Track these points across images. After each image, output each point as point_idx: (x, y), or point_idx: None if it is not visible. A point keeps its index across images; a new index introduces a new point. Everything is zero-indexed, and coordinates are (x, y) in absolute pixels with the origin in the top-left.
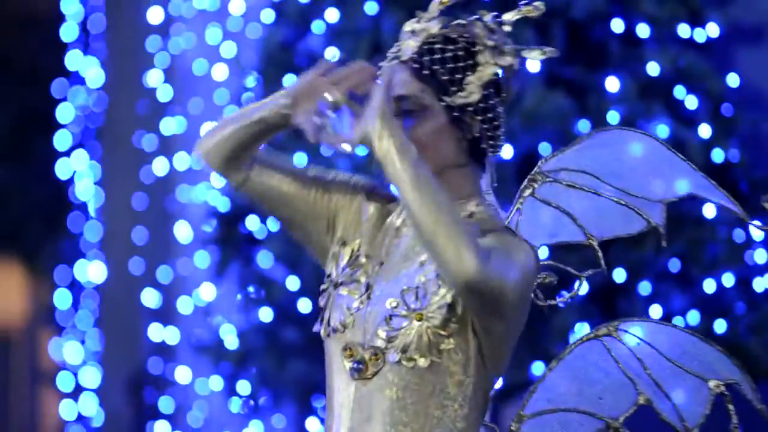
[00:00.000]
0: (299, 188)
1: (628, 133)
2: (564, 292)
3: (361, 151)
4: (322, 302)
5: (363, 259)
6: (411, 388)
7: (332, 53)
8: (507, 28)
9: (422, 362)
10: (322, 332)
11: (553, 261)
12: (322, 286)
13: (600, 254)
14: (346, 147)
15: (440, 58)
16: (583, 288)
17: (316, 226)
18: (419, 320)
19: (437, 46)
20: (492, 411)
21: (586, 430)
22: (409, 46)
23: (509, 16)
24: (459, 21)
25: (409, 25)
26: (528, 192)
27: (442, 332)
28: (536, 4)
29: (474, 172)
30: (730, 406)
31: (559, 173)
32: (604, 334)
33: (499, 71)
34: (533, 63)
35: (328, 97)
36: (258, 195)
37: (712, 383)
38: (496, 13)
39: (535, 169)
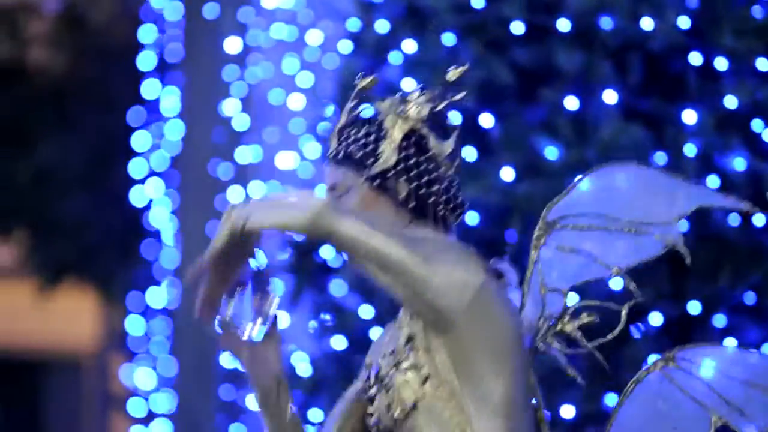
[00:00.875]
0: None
1: (615, 168)
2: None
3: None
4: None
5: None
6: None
7: (409, 84)
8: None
9: (408, 404)
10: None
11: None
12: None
13: (632, 283)
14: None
15: (353, 139)
16: (656, 319)
17: None
18: (396, 367)
19: (347, 130)
20: None
21: None
22: (331, 143)
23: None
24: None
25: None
26: (539, 244)
27: (416, 364)
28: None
29: (423, 228)
30: None
31: (565, 219)
32: (663, 366)
33: (418, 128)
34: (610, 95)
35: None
36: None
37: None
38: (422, 86)
39: (539, 223)
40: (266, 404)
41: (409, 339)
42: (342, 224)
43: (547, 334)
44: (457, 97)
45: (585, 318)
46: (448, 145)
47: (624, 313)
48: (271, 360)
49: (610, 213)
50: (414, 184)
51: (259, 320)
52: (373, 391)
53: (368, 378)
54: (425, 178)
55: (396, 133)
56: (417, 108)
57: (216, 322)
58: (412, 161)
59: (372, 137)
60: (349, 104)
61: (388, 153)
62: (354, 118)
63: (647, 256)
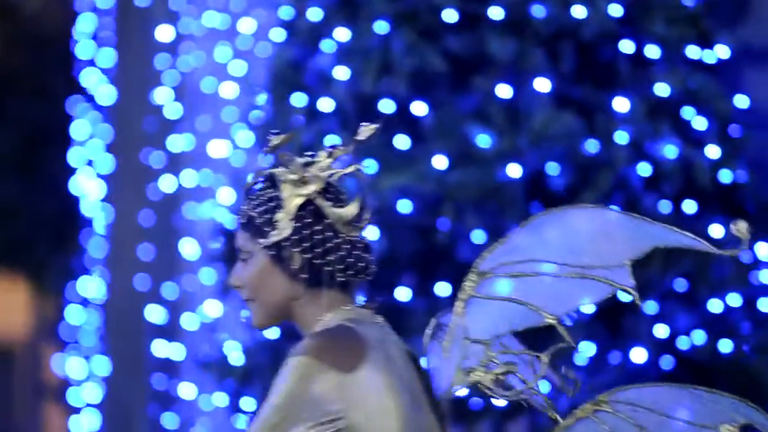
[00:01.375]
0: None
1: (573, 211)
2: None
3: None
4: None
5: None
6: None
7: (341, 72)
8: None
9: None
10: None
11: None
12: None
13: (565, 331)
14: None
15: (255, 204)
16: (587, 307)
17: None
18: None
19: (250, 194)
20: (497, 429)
21: None
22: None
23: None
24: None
25: None
26: (465, 295)
27: None
28: (371, 126)
29: (317, 295)
30: None
31: (499, 268)
32: (594, 410)
33: (314, 198)
34: (542, 82)
35: None
36: None
37: (723, 428)
38: (333, 144)
39: (470, 272)
40: None
41: None
42: None
43: (465, 383)
44: (350, 169)
45: (502, 368)
46: (347, 211)
47: (545, 362)
48: None
49: (555, 258)
50: (307, 255)
51: None
52: None
53: None
54: (320, 249)
55: (292, 203)
56: (315, 178)
57: None
58: (306, 232)
59: (271, 205)
60: (259, 165)
61: (283, 224)
62: (259, 181)
63: (592, 300)
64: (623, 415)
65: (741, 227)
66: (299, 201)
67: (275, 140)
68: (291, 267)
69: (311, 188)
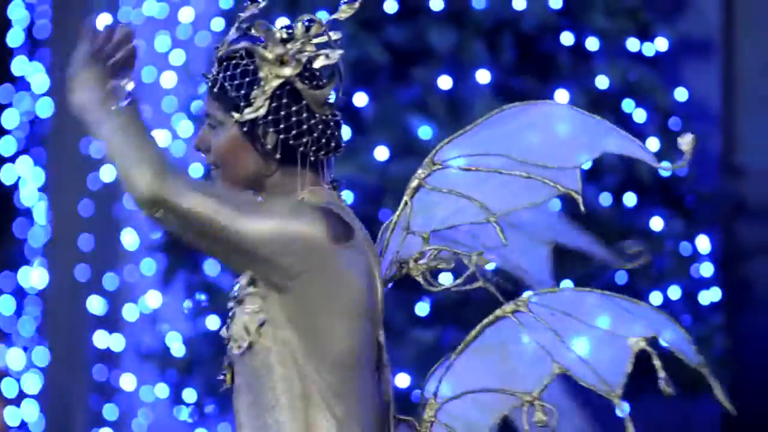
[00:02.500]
0: None
1: (536, 107)
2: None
3: None
4: None
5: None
6: (247, 375)
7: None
8: (318, 31)
9: (244, 344)
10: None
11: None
12: None
13: (501, 230)
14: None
15: (229, 75)
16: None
17: None
18: (240, 304)
19: (228, 62)
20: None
21: (503, 408)
22: (213, 69)
23: (329, 17)
24: (249, 34)
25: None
26: (415, 183)
27: (254, 309)
28: (353, 5)
29: (291, 174)
30: (656, 362)
31: (453, 159)
32: (513, 311)
33: (293, 80)
34: (483, 74)
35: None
36: None
37: (631, 340)
38: (309, 17)
39: (426, 159)
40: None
41: (251, 282)
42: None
43: (395, 276)
44: (329, 54)
45: (435, 261)
46: (324, 93)
47: (473, 260)
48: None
49: (505, 154)
50: (282, 135)
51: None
52: (229, 313)
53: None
54: (294, 131)
55: (269, 84)
56: (294, 59)
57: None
58: (282, 113)
59: (246, 80)
60: (232, 34)
61: (259, 103)
62: (234, 51)
63: (531, 201)
64: (541, 318)
65: (687, 140)
66: (278, 82)
67: (247, 10)
68: (265, 145)
69: (290, 70)
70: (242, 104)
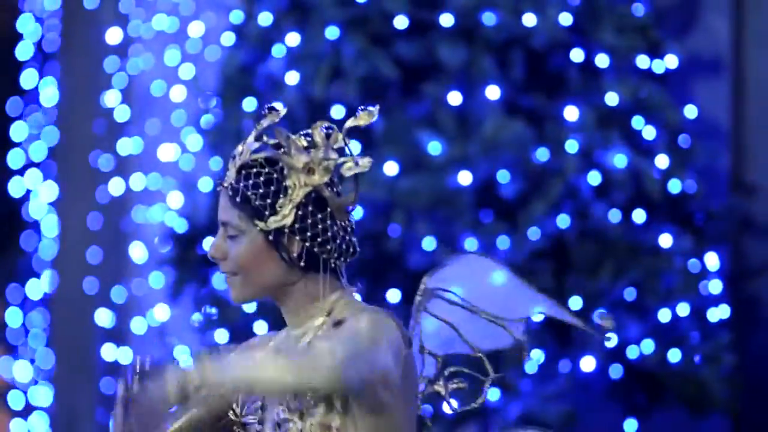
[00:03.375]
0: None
1: (485, 261)
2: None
3: None
4: None
5: None
6: None
7: (292, 77)
8: (338, 139)
9: None
10: None
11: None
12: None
13: (488, 364)
14: None
15: (252, 184)
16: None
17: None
18: (301, 419)
19: (249, 171)
20: None
21: None
22: (230, 171)
23: (348, 124)
24: (273, 141)
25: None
26: (420, 308)
27: (326, 424)
28: (370, 109)
29: (314, 280)
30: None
31: (440, 291)
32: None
33: (320, 189)
34: (493, 90)
35: None
36: None
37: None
38: (328, 125)
39: (420, 289)
40: None
41: (329, 399)
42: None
43: (422, 394)
44: (364, 164)
45: (455, 384)
46: (348, 200)
47: (487, 385)
48: None
49: (472, 298)
50: (308, 243)
51: None
52: (255, 426)
53: (244, 408)
54: (319, 238)
55: (297, 192)
56: (321, 168)
57: None
58: (309, 221)
59: (272, 189)
60: (251, 142)
61: (286, 211)
62: (255, 160)
63: (500, 345)
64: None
65: (606, 319)
66: (306, 190)
67: (268, 118)
68: (290, 253)
69: (318, 178)
70: (267, 213)
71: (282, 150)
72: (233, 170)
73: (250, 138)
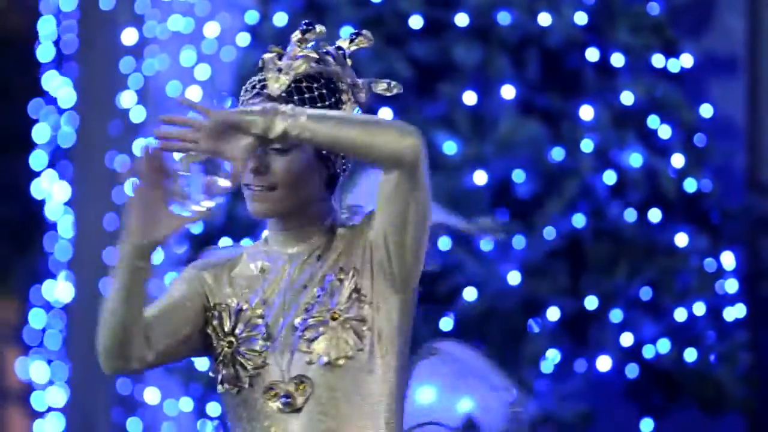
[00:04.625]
0: (190, 326)
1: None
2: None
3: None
4: (219, 366)
5: (247, 311)
6: (342, 387)
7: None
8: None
9: (350, 360)
10: (227, 389)
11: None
12: (217, 351)
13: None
14: (206, 206)
15: (309, 98)
16: (554, 314)
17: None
18: (335, 319)
19: (304, 84)
20: None
21: None
22: (279, 82)
23: (345, 46)
24: (316, 56)
25: (270, 59)
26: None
27: (360, 317)
28: (365, 33)
29: (328, 200)
30: None
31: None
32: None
33: (363, 107)
34: (508, 90)
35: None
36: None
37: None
38: (336, 45)
39: (343, 202)
40: (137, 261)
41: (356, 290)
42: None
43: None
44: (394, 85)
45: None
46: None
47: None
48: (172, 226)
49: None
50: (344, 159)
51: (207, 199)
52: (260, 341)
53: (238, 317)
54: (348, 158)
55: (348, 109)
56: (366, 93)
57: (148, 151)
58: None
59: (327, 103)
60: (309, 51)
61: None
62: (307, 75)
63: None
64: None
65: (486, 224)
66: (354, 108)
67: (313, 33)
68: (332, 169)
69: (363, 97)
70: None
71: (333, 66)
72: (278, 83)
73: (295, 52)
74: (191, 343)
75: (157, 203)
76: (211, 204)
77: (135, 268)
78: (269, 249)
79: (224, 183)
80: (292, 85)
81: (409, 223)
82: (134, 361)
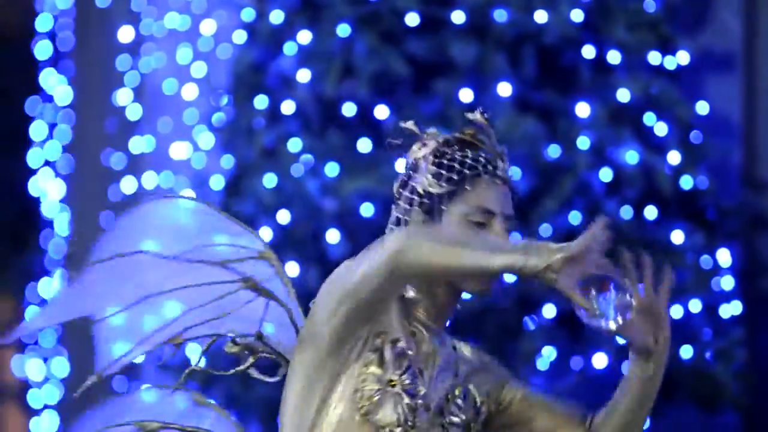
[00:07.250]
0: None
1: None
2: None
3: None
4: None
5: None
6: None
7: (303, 75)
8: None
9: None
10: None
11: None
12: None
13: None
14: (612, 327)
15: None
16: (549, 312)
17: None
18: (476, 374)
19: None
20: None
21: None
22: (501, 164)
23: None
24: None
25: (489, 143)
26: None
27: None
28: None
29: None
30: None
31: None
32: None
33: None
34: (504, 87)
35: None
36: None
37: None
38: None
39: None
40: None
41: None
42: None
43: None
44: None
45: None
46: None
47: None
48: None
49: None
50: None
51: (619, 317)
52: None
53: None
54: None
55: None
56: None
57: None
58: None
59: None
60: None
61: None
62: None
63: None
64: None
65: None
66: None
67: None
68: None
69: None
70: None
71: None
72: (503, 166)
73: (489, 133)
74: None
75: None
76: (621, 322)
77: (522, 269)
78: None
79: (633, 301)
80: (508, 168)
81: None
82: None
